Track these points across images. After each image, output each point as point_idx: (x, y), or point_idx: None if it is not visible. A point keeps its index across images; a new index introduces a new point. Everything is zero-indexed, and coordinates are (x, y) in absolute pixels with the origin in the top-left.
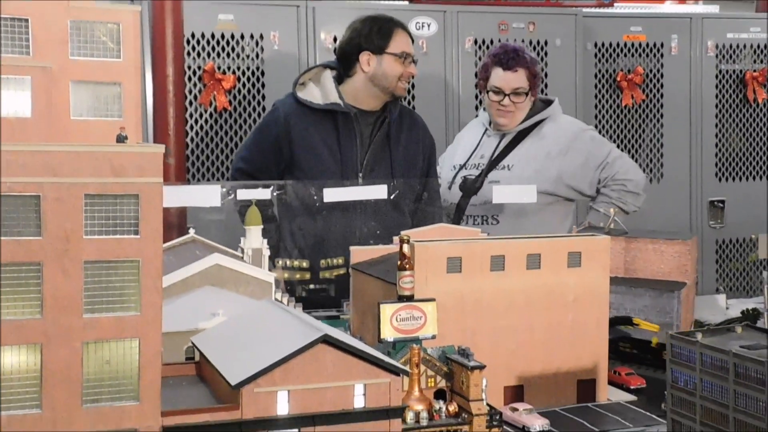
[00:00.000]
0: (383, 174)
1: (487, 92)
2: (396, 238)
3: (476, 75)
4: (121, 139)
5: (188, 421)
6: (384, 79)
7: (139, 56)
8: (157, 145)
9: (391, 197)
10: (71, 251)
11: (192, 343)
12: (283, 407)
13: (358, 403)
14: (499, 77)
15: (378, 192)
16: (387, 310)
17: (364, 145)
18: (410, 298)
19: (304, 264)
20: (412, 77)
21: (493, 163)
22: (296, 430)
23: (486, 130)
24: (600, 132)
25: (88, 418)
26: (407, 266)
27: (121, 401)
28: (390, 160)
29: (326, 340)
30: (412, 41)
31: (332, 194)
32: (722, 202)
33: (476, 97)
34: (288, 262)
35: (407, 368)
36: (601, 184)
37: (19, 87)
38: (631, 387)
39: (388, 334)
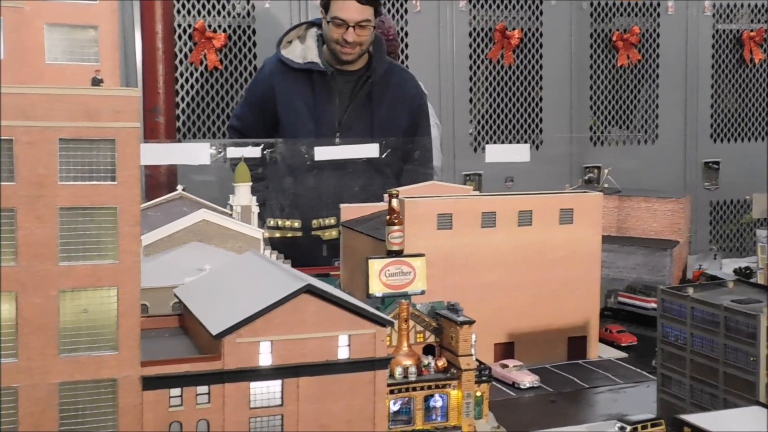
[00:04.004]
0: (362, 134)
1: None
2: (386, 195)
3: (470, 34)
4: (96, 82)
5: (169, 371)
6: (328, 42)
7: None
8: (132, 89)
9: (382, 156)
10: (46, 197)
11: (174, 294)
12: (265, 358)
13: (342, 354)
14: None
15: (369, 151)
16: (375, 265)
17: (343, 104)
18: (399, 253)
19: (296, 224)
20: (361, 45)
21: None
22: (279, 380)
23: None
24: (595, 92)
25: (65, 367)
26: (396, 221)
27: (99, 350)
28: (371, 119)
29: (309, 290)
30: (374, 6)
31: (323, 153)
32: (717, 163)
33: (470, 56)
34: (279, 222)
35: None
36: None
37: None
38: (623, 344)
39: (376, 289)
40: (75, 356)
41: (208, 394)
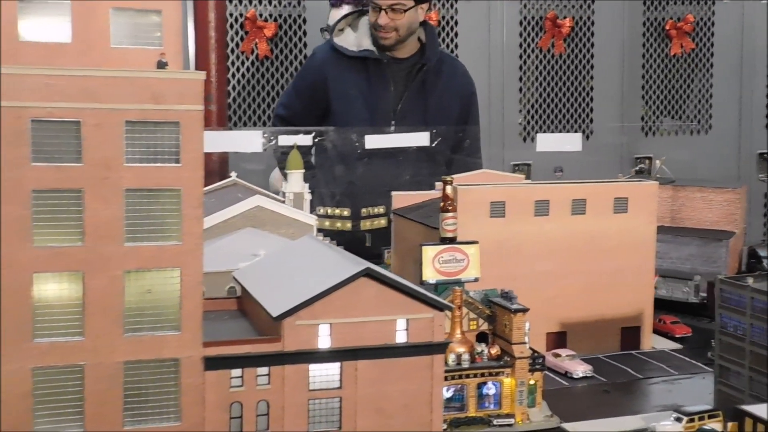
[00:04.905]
0: (416, 122)
1: None
2: (438, 183)
3: (520, 23)
4: (161, 65)
5: (230, 351)
6: (370, 28)
7: None
8: (197, 72)
9: (434, 144)
10: (111, 179)
11: (233, 277)
12: (324, 340)
13: (401, 337)
14: None
15: (419, 139)
16: (429, 252)
17: (398, 92)
18: (453, 240)
19: (345, 212)
20: (397, 30)
21: None
22: (338, 363)
23: None
24: (647, 81)
25: (129, 347)
26: (450, 208)
27: (163, 330)
28: (425, 108)
29: (369, 273)
30: None
31: (374, 141)
32: None
33: (520, 45)
34: (329, 210)
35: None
36: None
37: (59, 12)
38: (677, 336)
39: (430, 275)
40: (139, 336)
41: (268, 375)
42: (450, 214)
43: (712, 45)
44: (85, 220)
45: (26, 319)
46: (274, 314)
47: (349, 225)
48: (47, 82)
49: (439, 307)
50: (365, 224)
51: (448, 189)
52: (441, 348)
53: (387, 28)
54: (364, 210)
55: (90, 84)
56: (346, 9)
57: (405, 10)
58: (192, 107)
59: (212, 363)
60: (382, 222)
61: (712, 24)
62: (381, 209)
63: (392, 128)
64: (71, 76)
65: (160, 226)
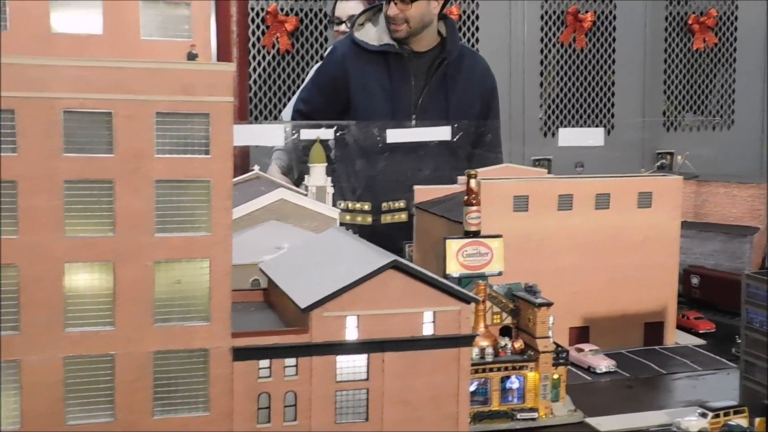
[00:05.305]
0: (437, 116)
1: None
2: (460, 178)
3: (542, 17)
4: (191, 57)
5: (258, 342)
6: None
7: None
8: (228, 63)
9: (455, 139)
10: (142, 169)
11: (260, 269)
12: (351, 332)
13: (427, 330)
14: None
15: (441, 134)
16: (453, 245)
17: (418, 87)
18: (477, 234)
19: (366, 206)
20: (407, 21)
21: None
22: (365, 355)
23: None
24: (669, 76)
25: (159, 337)
26: (474, 202)
27: (192, 321)
28: (446, 102)
29: (396, 265)
30: None
31: (395, 135)
32: None
33: (541, 40)
34: (350, 205)
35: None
36: None
37: (90, 3)
38: (700, 331)
39: (453, 269)
40: (168, 326)
41: (296, 366)
42: (474, 208)
43: (735, 40)
44: (115, 210)
45: (58, 309)
46: (302, 306)
47: (369, 219)
48: (79, 74)
49: (467, 300)
50: (386, 218)
51: (473, 183)
52: (468, 341)
53: (397, 20)
54: (384, 204)
55: (122, 75)
56: (353, 2)
57: (412, 1)
58: (222, 99)
59: (240, 354)
60: (403, 216)
61: (735, 18)
62: (401, 203)
63: (413, 122)
64: (103, 67)
65: (190, 217)
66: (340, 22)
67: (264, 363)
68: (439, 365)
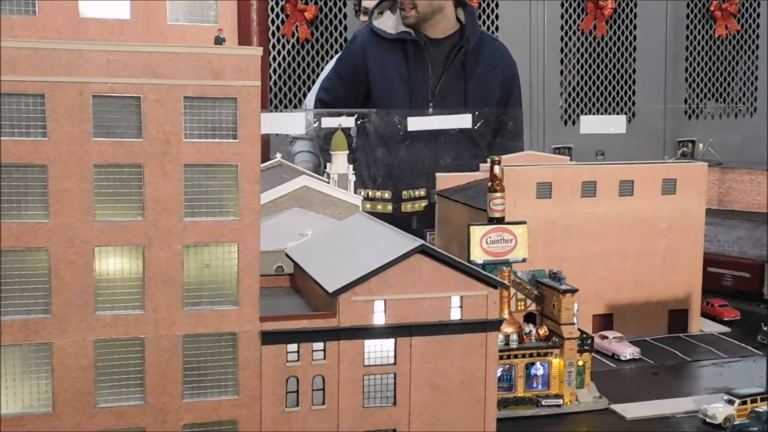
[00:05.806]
0: (456, 104)
1: None
2: (483, 165)
3: (562, 5)
4: (219, 41)
5: (286, 326)
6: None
7: None
8: (255, 48)
9: (476, 127)
10: (171, 154)
11: (286, 254)
12: (379, 316)
13: (455, 315)
14: None
15: (462, 121)
16: (477, 232)
17: (436, 74)
18: (501, 221)
19: (386, 194)
20: (415, 7)
21: None
22: (392, 339)
23: None
24: (691, 64)
25: (188, 321)
26: (498, 188)
27: (221, 305)
28: (464, 90)
29: (424, 250)
30: None
31: (416, 123)
32: None
33: (561, 27)
34: (370, 192)
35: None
36: None
37: None
38: (725, 319)
39: (477, 256)
40: (198, 310)
41: (324, 350)
42: (498, 194)
43: (758, 26)
44: (145, 194)
45: (89, 293)
46: (330, 290)
47: (390, 207)
48: (109, 58)
49: (494, 285)
50: (406, 206)
51: (496, 169)
52: (495, 325)
53: (405, 6)
54: (405, 192)
55: (150, 60)
56: None
57: None
58: (249, 83)
59: (269, 337)
60: (423, 204)
61: (758, 5)
62: (422, 191)
63: (430, 110)
64: (132, 51)
65: (218, 202)
66: (367, 12)
67: (292, 347)
68: (467, 350)
